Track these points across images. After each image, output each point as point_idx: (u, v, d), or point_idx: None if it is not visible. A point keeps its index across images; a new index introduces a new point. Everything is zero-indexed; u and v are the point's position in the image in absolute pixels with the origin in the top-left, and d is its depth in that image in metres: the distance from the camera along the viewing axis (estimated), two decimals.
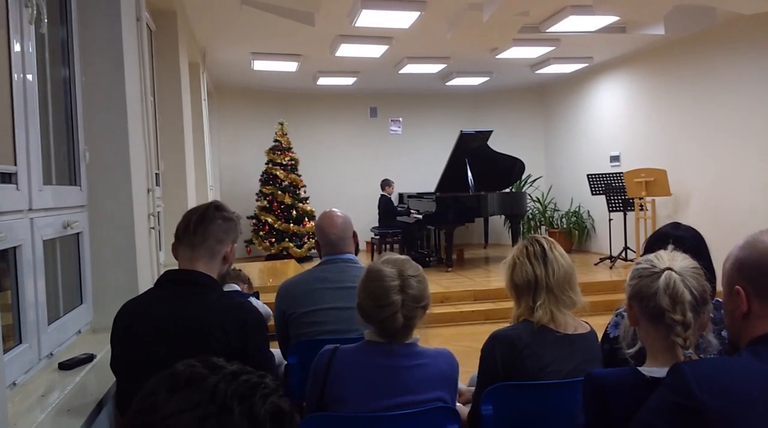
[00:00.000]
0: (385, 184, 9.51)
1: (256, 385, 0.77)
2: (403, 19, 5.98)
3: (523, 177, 9.52)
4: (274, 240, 9.49)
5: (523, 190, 9.84)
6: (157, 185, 4.02)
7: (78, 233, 2.55)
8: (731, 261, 1.32)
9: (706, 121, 7.18)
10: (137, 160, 2.89)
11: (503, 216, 9.38)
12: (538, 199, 10.46)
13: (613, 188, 8.04)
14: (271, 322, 2.64)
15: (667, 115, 7.89)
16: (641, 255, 1.50)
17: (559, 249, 1.98)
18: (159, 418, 0.73)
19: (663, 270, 1.34)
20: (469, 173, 8.44)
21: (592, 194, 8.38)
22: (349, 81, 9.52)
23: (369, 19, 5.86)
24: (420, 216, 8.40)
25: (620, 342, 1.55)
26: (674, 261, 1.37)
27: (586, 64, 8.94)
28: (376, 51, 7.43)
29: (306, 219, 9.62)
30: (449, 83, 9.80)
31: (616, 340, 2.07)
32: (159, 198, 4.22)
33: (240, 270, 3.47)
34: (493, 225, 10.45)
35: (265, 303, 3.14)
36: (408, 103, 11.08)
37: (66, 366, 2.12)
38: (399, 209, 9.47)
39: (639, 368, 1.35)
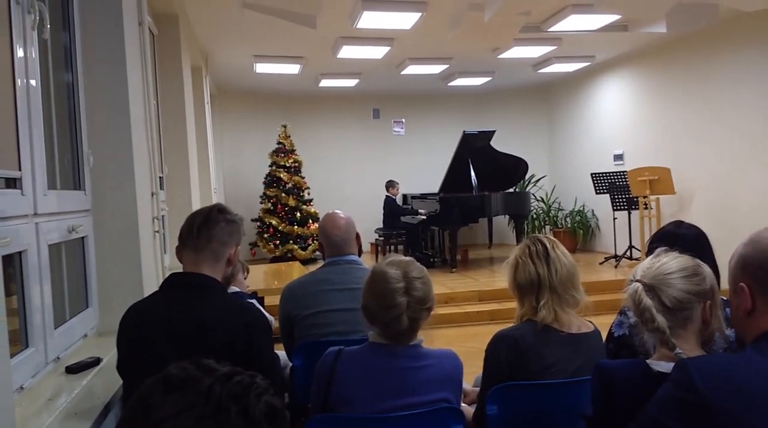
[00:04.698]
0: (390, 185, 9.50)
1: (249, 385, 0.78)
2: (405, 20, 5.98)
3: (527, 176, 9.51)
4: (278, 242, 9.51)
5: (527, 190, 9.82)
6: (161, 188, 4.04)
7: (83, 237, 2.56)
8: (735, 258, 1.32)
9: (709, 119, 7.16)
10: (141, 164, 2.90)
11: (507, 217, 9.37)
12: (542, 198, 10.45)
13: (617, 187, 8.02)
14: (276, 325, 2.64)
15: (670, 113, 7.87)
16: (646, 255, 1.53)
17: (561, 248, 1.98)
18: (155, 422, 0.73)
19: (632, 282, 1.42)
20: (473, 173, 8.43)
21: (596, 193, 8.37)
22: (351, 82, 9.53)
23: (370, 20, 5.86)
24: (424, 217, 8.40)
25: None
26: (651, 269, 1.41)
27: (589, 63, 8.93)
28: (377, 52, 7.43)
29: (310, 221, 9.62)
30: (451, 84, 9.79)
31: (620, 339, 2.07)
32: (163, 201, 4.23)
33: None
34: (497, 225, 10.43)
35: (269, 305, 3.14)
36: (410, 104, 11.08)
37: (73, 369, 2.14)
38: (403, 209, 9.46)
39: (648, 361, 1.35)
